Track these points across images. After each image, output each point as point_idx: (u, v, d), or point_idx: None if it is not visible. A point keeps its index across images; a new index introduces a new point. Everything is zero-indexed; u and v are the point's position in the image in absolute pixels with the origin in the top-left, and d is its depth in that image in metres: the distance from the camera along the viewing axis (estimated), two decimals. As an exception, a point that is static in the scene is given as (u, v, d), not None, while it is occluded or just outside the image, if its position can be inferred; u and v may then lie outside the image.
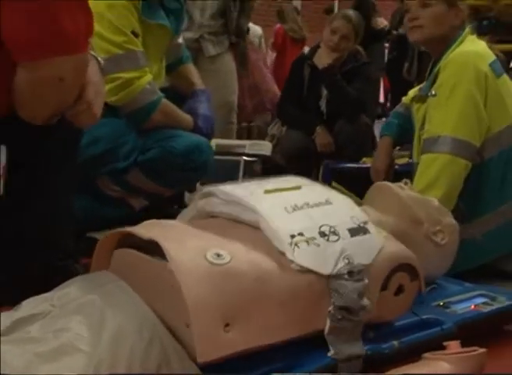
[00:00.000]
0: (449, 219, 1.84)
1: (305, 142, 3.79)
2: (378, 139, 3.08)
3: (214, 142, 3.13)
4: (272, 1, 10.59)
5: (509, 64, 4.18)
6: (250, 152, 3.44)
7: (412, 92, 2.70)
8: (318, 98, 3.88)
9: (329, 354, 1.40)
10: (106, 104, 2.07)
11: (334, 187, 3.03)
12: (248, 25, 4.53)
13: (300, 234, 1.44)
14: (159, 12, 2.41)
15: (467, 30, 2.41)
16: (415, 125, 2.49)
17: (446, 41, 2.37)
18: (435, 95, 2.30)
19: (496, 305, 1.72)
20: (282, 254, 1.41)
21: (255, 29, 8.20)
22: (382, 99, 9.37)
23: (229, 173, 3.20)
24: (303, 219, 1.49)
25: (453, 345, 1.41)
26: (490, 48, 2.46)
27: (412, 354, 1.45)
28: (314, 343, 1.41)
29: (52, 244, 1.81)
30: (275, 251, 1.42)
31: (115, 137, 2.26)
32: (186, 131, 2.40)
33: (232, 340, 1.28)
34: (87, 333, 1.21)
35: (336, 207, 1.57)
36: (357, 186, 2.77)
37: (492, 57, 2.32)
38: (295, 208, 1.51)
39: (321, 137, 3.78)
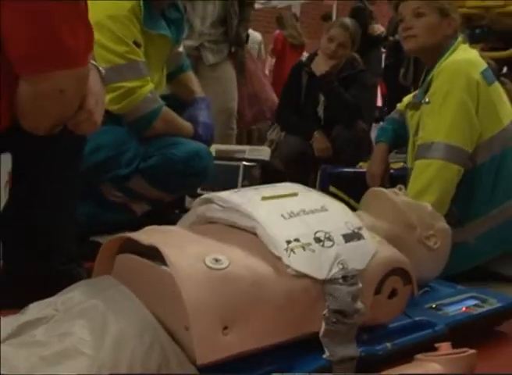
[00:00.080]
0: (442, 224, 1.85)
1: (303, 147, 3.79)
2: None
3: (214, 147, 3.14)
4: (272, 8, 10.61)
5: (501, 71, 4.19)
6: (250, 157, 3.45)
7: (406, 99, 2.72)
8: (315, 104, 3.89)
9: (324, 356, 1.41)
10: (108, 112, 2.10)
11: (332, 192, 3.07)
12: (248, 32, 4.55)
13: (296, 240, 1.45)
14: (160, 23, 2.42)
15: (460, 39, 2.43)
16: (409, 131, 2.50)
17: (439, 50, 2.39)
18: (428, 103, 2.32)
19: (486, 307, 1.73)
20: (279, 259, 1.42)
21: (255, 35, 8.23)
22: (380, 103, 9.39)
23: (229, 178, 3.22)
24: (299, 225, 1.50)
25: (444, 347, 1.43)
26: (481, 56, 2.48)
27: (405, 355, 1.45)
28: (310, 345, 1.42)
29: (55, 249, 1.82)
30: (271, 257, 1.43)
31: (118, 144, 2.28)
32: (186, 138, 2.41)
33: (231, 342, 1.29)
34: (90, 337, 1.22)
35: (332, 213, 1.58)
36: (353, 190, 2.79)
37: (483, 65, 2.34)
38: (291, 214, 1.52)
39: (319, 142, 3.79)
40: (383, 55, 7.62)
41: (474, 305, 1.74)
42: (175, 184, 2.40)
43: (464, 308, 1.72)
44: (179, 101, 2.63)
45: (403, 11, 2.47)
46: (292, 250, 1.43)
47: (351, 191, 2.94)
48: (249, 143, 6.98)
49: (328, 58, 3.76)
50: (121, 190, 2.35)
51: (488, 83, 2.30)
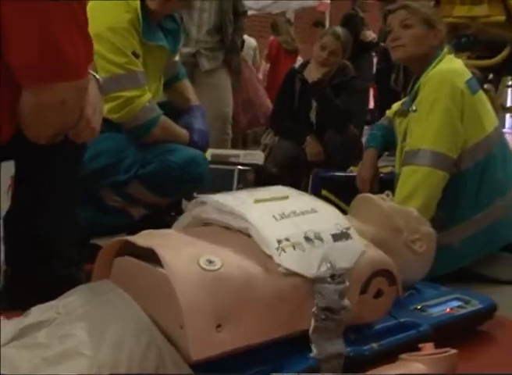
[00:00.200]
0: (427, 228, 1.88)
1: (296, 151, 3.81)
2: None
3: (210, 152, 3.16)
4: (267, 14, 10.63)
5: (486, 79, 4.23)
6: (244, 162, 3.47)
7: (395, 106, 2.75)
8: (308, 110, 3.92)
9: (312, 354, 1.43)
10: (108, 120, 2.12)
11: (324, 195, 3.09)
12: (243, 38, 4.57)
13: (287, 240, 1.48)
14: (158, 34, 2.44)
15: (446, 49, 2.46)
16: (397, 138, 2.54)
17: (426, 60, 2.42)
18: (415, 111, 2.35)
19: (469, 308, 1.76)
20: (270, 258, 1.45)
21: (250, 41, 8.24)
22: (372, 106, 9.41)
23: (224, 182, 3.24)
24: (289, 225, 1.53)
25: (428, 347, 1.46)
26: (466, 64, 2.52)
27: (390, 355, 1.48)
28: (298, 346, 1.44)
29: (57, 254, 1.84)
30: (263, 257, 1.45)
31: (117, 151, 2.30)
32: (182, 145, 2.44)
33: (224, 339, 1.31)
34: (90, 339, 1.24)
35: (321, 215, 1.61)
36: (345, 194, 2.81)
37: (468, 75, 2.37)
38: (282, 216, 1.55)
39: (312, 147, 3.81)
40: (375, 60, 7.64)
41: (458, 307, 1.77)
42: (172, 190, 2.42)
43: (447, 310, 1.75)
44: (175, 109, 2.64)
45: (391, 22, 2.51)
46: (283, 249, 1.46)
47: (342, 195, 2.96)
48: (244, 146, 7.01)
49: (321, 66, 3.78)
50: (120, 195, 2.36)
51: (472, 93, 2.33)
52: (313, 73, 3.81)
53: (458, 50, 3.68)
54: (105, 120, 1.81)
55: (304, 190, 3.28)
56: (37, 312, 1.37)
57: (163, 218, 2.67)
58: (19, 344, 1.27)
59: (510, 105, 4.45)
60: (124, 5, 2.31)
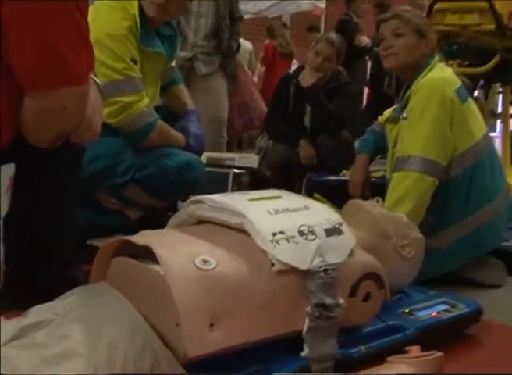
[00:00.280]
0: (416, 234, 1.90)
1: (290, 155, 3.84)
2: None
3: (205, 155, 3.19)
4: (263, 17, 10.65)
5: (475, 87, 4.26)
6: (239, 165, 3.49)
7: (387, 113, 2.77)
8: (302, 115, 3.93)
9: (303, 354, 1.45)
10: (106, 124, 2.14)
11: (315, 198, 3.11)
12: (239, 42, 4.59)
13: (281, 232, 1.51)
14: (156, 40, 2.46)
15: (436, 58, 2.48)
16: (388, 144, 2.56)
17: (417, 68, 2.44)
18: (406, 118, 2.37)
19: (455, 312, 1.78)
20: (264, 255, 1.47)
21: (246, 44, 8.27)
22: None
23: (219, 184, 3.26)
24: (284, 220, 1.56)
25: (414, 349, 1.48)
26: (456, 72, 2.54)
27: (378, 357, 1.50)
28: (291, 346, 1.46)
29: (56, 255, 1.86)
30: (257, 255, 1.48)
31: (115, 155, 2.32)
32: (178, 149, 2.46)
33: (218, 338, 1.34)
34: (86, 340, 1.26)
35: (314, 211, 1.64)
36: (337, 197, 2.84)
37: (457, 83, 2.39)
38: (277, 211, 1.58)
39: (305, 151, 3.84)
40: (369, 64, 7.66)
41: (444, 310, 1.79)
42: (168, 193, 2.44)
43: (434, 313, 1.77)
44: (171, 113, 2.66)
45: (384, 31, 2.53)
46: (277, 242, 1.49)
47: (335, 198, 2.98)
48: (240, 148, 7.03)
49: (315, 71, 3.80)
50: (117, 197, 2.38)
51: (461, 101, 2.35)
52: (307, 78, 3.84)
53: (450, 57, 3.72)
54: (104, 124, 1.83)
55: (298, 193, 3.31)
56: (35, 313, 1.39)
57: (159, 219, 2.68)
58: (19, 344, 1.29)
59: (501, 111, 4.46)
60: (123, 13, 2.34)
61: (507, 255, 2.57)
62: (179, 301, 1.32)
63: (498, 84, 4.37)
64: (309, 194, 3.21)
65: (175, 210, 2.84)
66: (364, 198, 2.66)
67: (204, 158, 3.07)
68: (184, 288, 1.34)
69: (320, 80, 3.81)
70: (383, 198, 2.29)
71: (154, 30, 2.47)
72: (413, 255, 1.84)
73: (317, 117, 3.88)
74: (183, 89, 2.78)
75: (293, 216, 1.58)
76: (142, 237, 1.51)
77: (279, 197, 1.70)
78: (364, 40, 6.99)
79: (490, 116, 4.27)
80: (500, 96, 4.59)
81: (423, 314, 1.76)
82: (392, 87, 5.91)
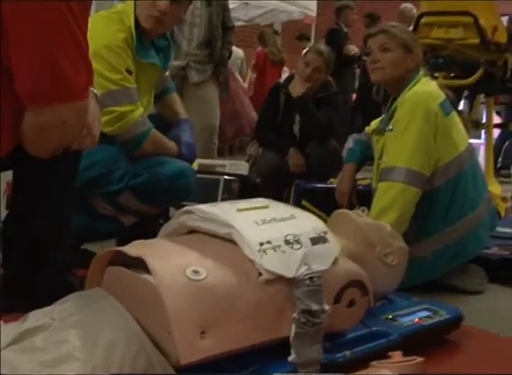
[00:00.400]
0: (400, 243, 1.93)
1: (279, 163, 3.86)
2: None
3: (197, 161, 3.21)
4: (255, 25, 10.69)
5: (460, 100, 4.32)
6: (230, 172, 3.52)
7: (374, 124, 2.80)
8: (291, 123, 3.96)
9: (290, 358, 1.48)
10: (102, 133, 2.17)
11: (303, 205, 3.15)
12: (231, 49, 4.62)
13: (268, 242, 1.55)
14: (150, 52, 2.49)
15: (422, 72, 2.53)
16: (375, 155, 2.60)
17: (403, 82, 2.48)
18: (392, 130, 2.41)
19: (436, 318, 1.82)
20: (252, 265, 1.51)
21: (237, 51, 8.29)
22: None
23: (210, 191, 3.29)
24: (271, 230, 1.60)
25: (397, 355, 1.53)
26: (440, 85, 2.59)
27: (362, 362, 1.54)
28: (278, 351, 1.49)
29: (54, 260, 1.87)
30: (245, 265, 1.51)
31: (110, 162, 2.35)
32: (171, 157, 2.49)
33: (207, 345, 1.37)
34: (83, 344, 1.30)
35: (300, 220, 1.68)
36: (325, 205, 2.89)
37: (441, 97, 2.43)
38: (264, 221, 1.62)
39: (294, 159, 3.85)
40: (358, 72, 7.71)
41: (426, 317, 1.82)
42: (161, 200, 2.47)
43: (416, 320, 1.80)
44: (164, 121, 2.69)
45: (371, 45, 2.57)
46: (264, 251, 1.53)
47: (323, 206, 3.02)
48: (230, 153, 7.07)
49: (304, 81, 3.83)
50: (111, 204, 2.40)
51: (445, 114, 2.39)
52: (297, 88, 3.86)
53: (436, 69, 3.77)
54: (101, 133, 1.86)
55: (286, 200, 3.36)
56: (33, 318, 1.42)
57: (152, 226, 2.71)
58: (18, 347, 1.32)
59: (485, 121, 4.52)
60: (119, 25, 2.38)
61: (488, 263, 2.62)
62: (170, 310, 1.35)
63: (482, 95, 4.43)
64: (298, 201, 3.25)
65: (167, 217, 2.88)
66: (351, 206, 2.71)
67: (195, 164, 3.10)
68: (175, 298, 1.37)
69: (309, 90, 3.84)
70: (369, 206, 2.35)
71: (149, 41, 2.50)
72: (396, 263, 1.87)
73: (306, 126, 3.91)
74: (175, 98, 2.81)
75: (279, 226, 1.62)
76: (135, 248, 1.54)
77: (266, 207, 1.73)
78: (353, 49, 7.03)
79: (474, 126, 4.33)
80: (484, 107, 4.66)
81: (406, 320, 1.79)
82: (380, 94, 5.96)
